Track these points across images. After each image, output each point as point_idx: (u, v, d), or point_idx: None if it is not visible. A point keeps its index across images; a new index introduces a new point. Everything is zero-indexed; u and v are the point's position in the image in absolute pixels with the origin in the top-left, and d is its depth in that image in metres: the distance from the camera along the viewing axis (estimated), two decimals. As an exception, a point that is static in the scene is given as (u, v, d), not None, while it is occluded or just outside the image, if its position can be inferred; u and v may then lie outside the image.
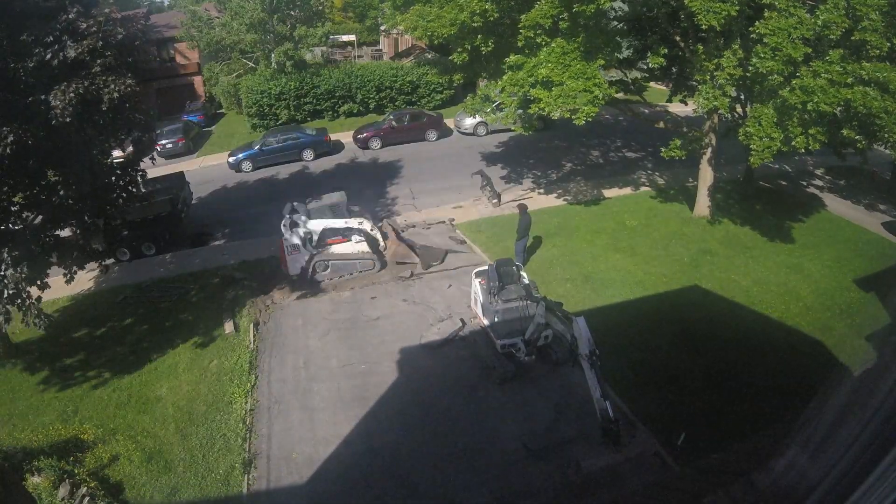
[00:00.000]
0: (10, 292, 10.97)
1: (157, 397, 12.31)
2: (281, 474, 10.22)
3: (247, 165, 25.98)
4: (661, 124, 19.14)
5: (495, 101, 19.65)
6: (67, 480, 9.79)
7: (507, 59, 16.14)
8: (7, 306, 11.08)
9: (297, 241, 15.72)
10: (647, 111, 19.85)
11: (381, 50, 48.60)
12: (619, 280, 15.33)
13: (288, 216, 15.75)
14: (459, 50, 17.54)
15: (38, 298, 11.67)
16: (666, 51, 16.52)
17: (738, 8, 12.78)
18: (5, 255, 10.93)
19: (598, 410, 9.18)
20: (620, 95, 19.32)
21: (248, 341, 13.83)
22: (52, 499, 9.55)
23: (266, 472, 10.30)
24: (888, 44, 12.12)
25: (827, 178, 22.79)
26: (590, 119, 15.33)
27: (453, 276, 15.98)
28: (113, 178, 13.46)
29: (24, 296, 11.23)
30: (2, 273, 10.97)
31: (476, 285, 13.01)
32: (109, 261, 15.23)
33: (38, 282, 11.76)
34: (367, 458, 10.35)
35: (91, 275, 17.33)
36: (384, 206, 21.25)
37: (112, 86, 11.39)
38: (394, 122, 28.16)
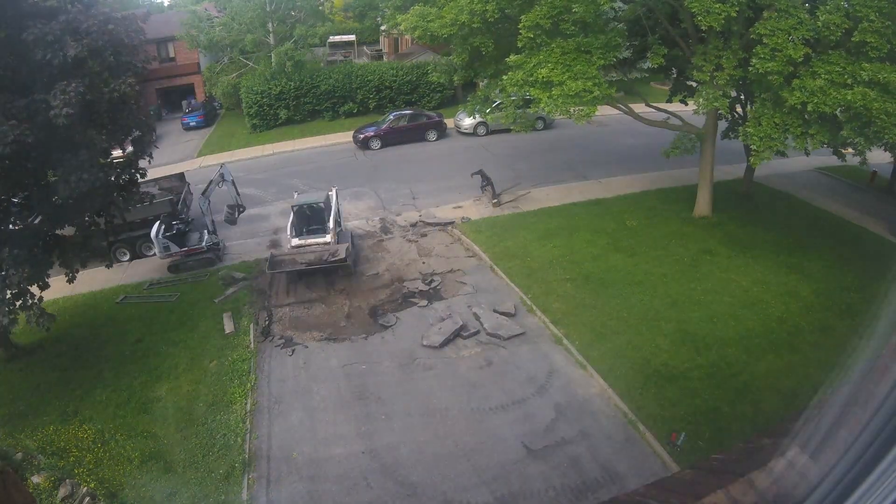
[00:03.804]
0: (13, 292, 10.95)
1: (157, 397, 12.30)
2: (281, 474, 10.22)
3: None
4: (667, 126, 19.11)
5: (495, 102, 19.63)
6: (67, 480, 9.81)
7: (507, 60, 16.14)
8: (10, 307, 11.06)
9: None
10: (652, 117, 19.78)
11: (381, 50, 48.58)
12: (620, 280, 15.32)
13: None
14: (459, 50, 17.53)
15: (40, 299, 11.65)
16: (666, 51, 16.51)
17: (737, 9, 12.78)
18: (5, 254, 10.93)
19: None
20: (620, 96, 19.31)
21: (248, 341, 13.83)
22: (52, 499, 9.56)
23: (266, 472, 10.30)
24: (888, 45, 12.13)
25: (827, 178, 22.79)
26: (589, 119, 15.35)
27: (454, 277, 15.99)
28: (113, 178, 13.46)
29: (28, 296, 11.22)
30: (4, 273, 10.96)
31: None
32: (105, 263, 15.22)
33: (39, 282, 11.75)
34: (367, 458, 10.35)
35: (90, 275, 17.31)
36: (383, 207, 21.22)
37: (112, 85, 11.39)
38: (394, 123, 28.16)
